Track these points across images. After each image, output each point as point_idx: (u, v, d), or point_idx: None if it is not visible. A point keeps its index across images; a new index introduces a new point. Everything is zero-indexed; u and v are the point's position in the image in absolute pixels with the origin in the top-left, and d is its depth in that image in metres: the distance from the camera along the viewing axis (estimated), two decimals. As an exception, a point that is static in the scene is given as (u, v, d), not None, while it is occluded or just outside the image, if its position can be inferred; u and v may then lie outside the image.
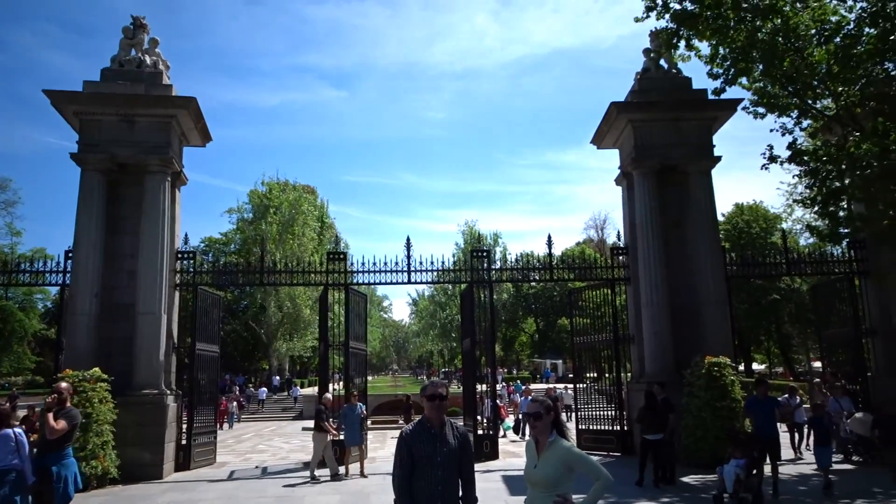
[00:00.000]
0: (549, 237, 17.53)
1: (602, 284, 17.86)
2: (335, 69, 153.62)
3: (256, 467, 16.09)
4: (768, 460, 10.93)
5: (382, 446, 21.07)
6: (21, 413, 17.18)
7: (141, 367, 14.75)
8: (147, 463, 14.19)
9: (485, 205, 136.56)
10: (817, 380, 25.42)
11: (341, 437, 14.86)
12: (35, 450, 7.38)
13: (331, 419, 15.08)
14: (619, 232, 18.36)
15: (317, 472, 13.94)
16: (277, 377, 50.91)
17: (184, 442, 15.56)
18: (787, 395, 15.94)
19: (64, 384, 7.81)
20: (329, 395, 15.51)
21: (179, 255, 16.52)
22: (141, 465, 14.07)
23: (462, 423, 18.26)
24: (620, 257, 17.81)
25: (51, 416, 7.19)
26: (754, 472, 10.44)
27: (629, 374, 17.55)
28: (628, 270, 17.52)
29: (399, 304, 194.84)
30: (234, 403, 34.17)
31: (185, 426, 15.71)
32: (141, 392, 14.56)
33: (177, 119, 15.95)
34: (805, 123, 15.28)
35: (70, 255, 15.47)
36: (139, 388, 14.61)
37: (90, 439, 12.88)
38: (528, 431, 20.82)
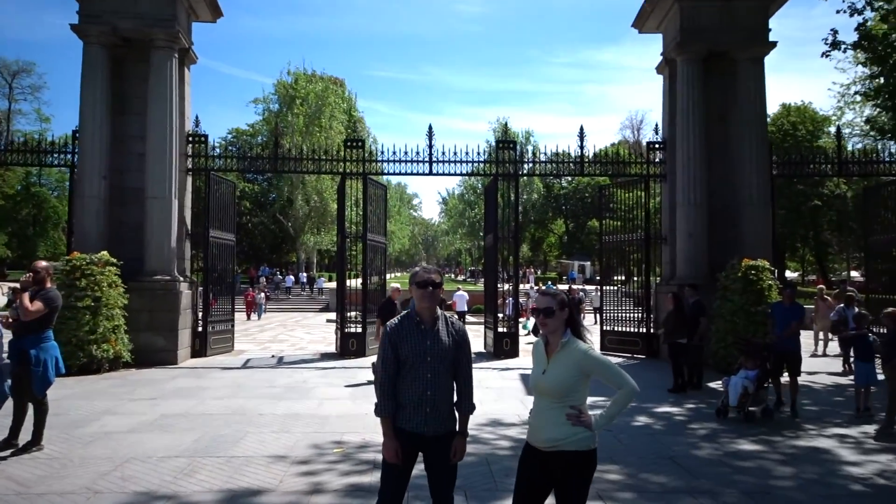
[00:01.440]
0: (581, 129, 16.35)
1: (635, 181, 16.78)
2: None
3: (272, 356, 15.92)
4: (786, 376, 10.08)
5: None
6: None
7: (152, 252, 14.34)
8: (161, 348, 14.03)
9: (517, 104, 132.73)
10: (821, 286, 24.39)
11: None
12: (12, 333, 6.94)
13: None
14: (656, 125, 17.05)
15: (332, 363, 13.56)
16: (305, 274, 51.19)
17: (200, 329, 15.37)
18: (842, 305, 14.36)
19: (42, 263, 7.20)
20: (398, 286, 14.28)
21: (190, 139, 15.75)
22: (155, 350, 13.94)
23: (483, 321, 17.84)
24: (657, 153, 16.62)
25: (26, 296, 6.66)
26: (766, 385, 9.60)
27: (658, 277, 16.78)
28: (664, 167, 16.39)
29: (429, 202, 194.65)
30: (262, 294, 34.09)
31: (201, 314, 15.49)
32: (153, 278, 14.23)
33: (183, -11, 14.76)
34: (877, 4, 13.59)
35: (77, 135, 14.82)
36: (151, 273, 14.26)
37: (100, 323, 12.67)
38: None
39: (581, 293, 27.96)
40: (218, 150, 16.35)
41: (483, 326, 17.42)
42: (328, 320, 28.64)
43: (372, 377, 12.48)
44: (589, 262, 69.23)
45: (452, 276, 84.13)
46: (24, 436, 6.90)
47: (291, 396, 10.37)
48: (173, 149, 14.59)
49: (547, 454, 3.47)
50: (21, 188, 57.73)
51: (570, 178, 73.29)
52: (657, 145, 16.68)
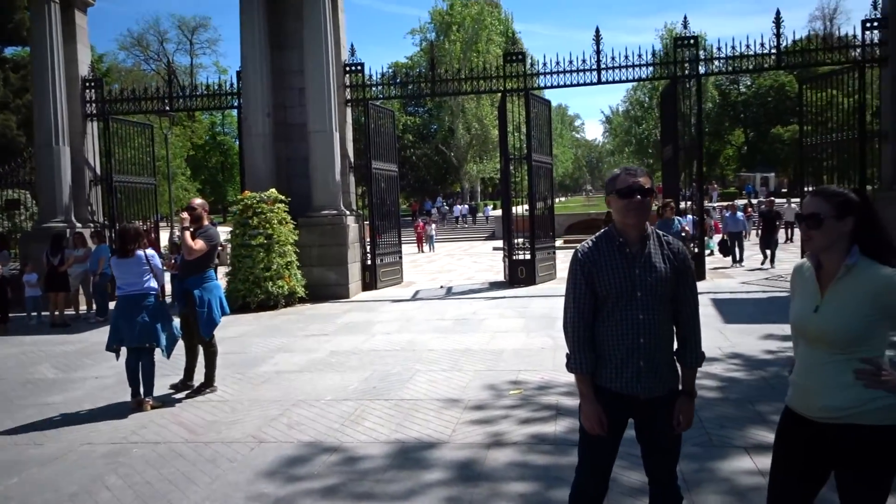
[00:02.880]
0: (778, 12, 13.90)
1: (843, 71, 14.13)
2: None
3: (441, 287, 15.58)
4: None
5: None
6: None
7: (318, 187, 14.29)
8: (333, 283, 14.09)
9: (687, 7, 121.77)
10: None
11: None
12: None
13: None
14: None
15: (501, 292, 12.93)
16: (466, 206, 50.46)
17: (369, 262, 15.31)
18: None
19: (198, 200, 6.95)
20: (669, 201, 12.52)
21: (347, 68, 15.35)
22: (327, 284, 14.02)
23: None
24: (874, 32, 13.77)
25: (188, 234, 6.43)
26: None
27: (875, 183, 14.23)
28: (885, 48, 13.56)
29: (591, 124, 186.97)
30: (433, 226, 33.65)
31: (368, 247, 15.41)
32: (320, 213, 14.20)
33: None
34: None
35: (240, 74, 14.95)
36: (318, 208, 14.25)
37: (274, 260, 12.81)
38: (733, 256, 17.52)
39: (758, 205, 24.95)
40: (375, 80, 15.80)
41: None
42: (494, 248, 28.16)
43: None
44: (773, 174, 63.02)
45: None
46: (200, 377, 6.84)
47: (461, 329, 9.80)
48: (331, 80, 14.24)
49: (825, 427, 2.38)
50: (208, 138, 62.45)
51: (749, 83, 66.52)
52: (874, 23, 13.80)
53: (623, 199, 2.68)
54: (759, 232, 17.91)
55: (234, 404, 6.27)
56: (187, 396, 6.59)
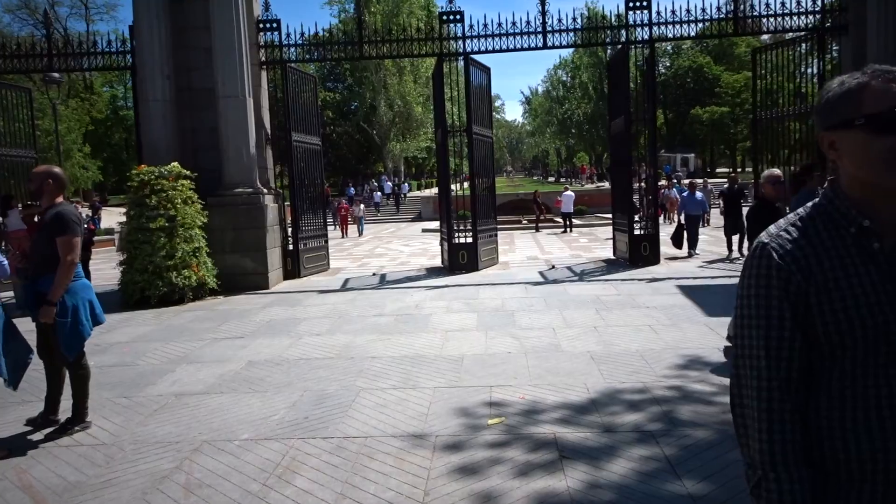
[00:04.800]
0: (736, -26, 12.91)
1: (802, 38, 13.34)
2: None
3: (374, 274, 13.97)
4: None
5: (512, 248, 18.61)
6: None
7: (230, 161, 12.37)
8: (250, 271, 12.28)
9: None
10: None
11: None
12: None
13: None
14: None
15: (443, 280, 11.52)
16: (389, 183, 48.16)
17: (290, 247, 13.55)
18: None
19: (44, 168, 4.99)
20: (778, 171, 10.52)
21: (261, 26, 13.39)
22: (243, 273, 12.19)
23: (612, 222, 15.20)
24: (834, -1, 13.02)
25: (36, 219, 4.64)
26: None
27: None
28: (845, 15, 12.82)
29: (511, 105, 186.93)
30: (361, 206, 30.57)
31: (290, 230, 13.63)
32: (233, 191, 12.31)
33: None
34: None
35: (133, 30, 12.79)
36: (230, 186, 12.35)
37: (178, 246, 10.89)
38: (687, 245, 15.30)
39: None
40: (294, 40, 13.86)
41: (612, 229, 14.86)
42: (424, 230, 26.74)
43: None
44: (692, 155, 64.25)
45: (541, 179, 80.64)
46: (69, 406, 5.07)
47: (406, 329, 8.27)
48: (242, 37, 12.30)
49: None
50: (110, 113, 57.83)
51: (668, 65, 67.44)
52: (835, -12, 13.04)
53: (886, 134, 1.25)
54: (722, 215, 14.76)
55: (111, 450, 4.54)
56: (48, 437, 4.80)
